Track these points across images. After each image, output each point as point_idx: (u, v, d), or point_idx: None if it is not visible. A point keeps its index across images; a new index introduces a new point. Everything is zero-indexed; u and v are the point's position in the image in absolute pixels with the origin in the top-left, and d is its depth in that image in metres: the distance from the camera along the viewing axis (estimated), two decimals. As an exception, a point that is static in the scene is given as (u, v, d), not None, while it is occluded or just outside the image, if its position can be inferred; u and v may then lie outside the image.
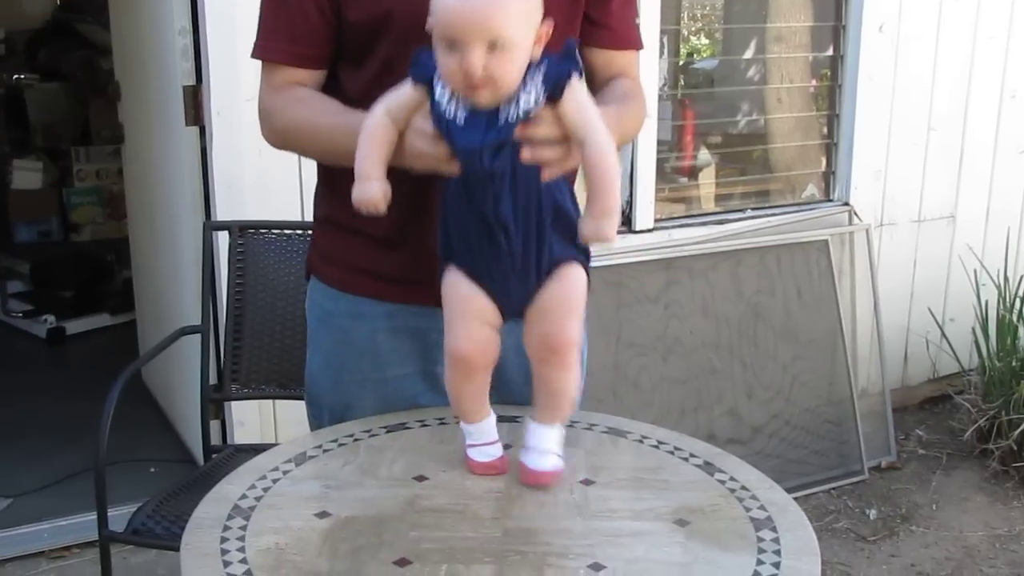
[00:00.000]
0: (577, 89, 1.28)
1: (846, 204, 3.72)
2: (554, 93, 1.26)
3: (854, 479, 3.49)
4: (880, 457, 3.62)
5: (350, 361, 1.64)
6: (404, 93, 1.32)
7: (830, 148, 3.77)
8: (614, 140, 1.31)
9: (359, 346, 1.63)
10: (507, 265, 1.35)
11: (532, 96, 1.27)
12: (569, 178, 1.44)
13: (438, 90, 1.29)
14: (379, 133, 1.33)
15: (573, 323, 1.37)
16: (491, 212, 1.31)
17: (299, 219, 2.80)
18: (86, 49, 5.97)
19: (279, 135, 1.56)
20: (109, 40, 4.15)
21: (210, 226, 2.58)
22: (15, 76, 6.24)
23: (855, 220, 3.72)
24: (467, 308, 1.38)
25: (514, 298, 1.37)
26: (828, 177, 3.78)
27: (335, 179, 1.52)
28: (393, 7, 1.45)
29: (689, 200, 3.68)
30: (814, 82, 3.82)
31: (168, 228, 3.25)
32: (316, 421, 1.71)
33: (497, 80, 1.24)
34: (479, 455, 1.42)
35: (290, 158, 2.78)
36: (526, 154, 1.27)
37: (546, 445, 1.40)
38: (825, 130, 3.80)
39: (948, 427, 3.84)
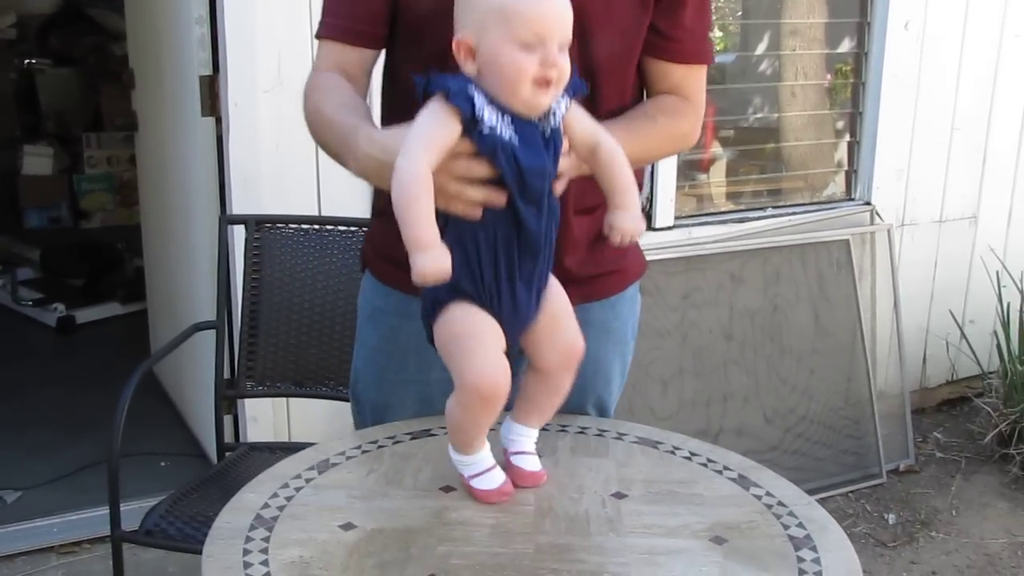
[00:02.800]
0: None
1: (868, 204, 3.67)
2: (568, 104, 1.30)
3: (872, 482, 3.45)
4: (898, 460, 3.58)
5: (395, 359, 1.61)
6: (442, 133, 1.23)
7: (852, 147, 3.72)
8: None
9: (406, 345, 1.59)
10: (533, 287, 1.32)
11: (562, 105, 1.28)
12: None
13: (487, 118, 1.23)
14: (426, 190, 1.20)
15: (577, 326, 1.39)
16: (542, 231, 1.28)
17: (316, 214, 2.77)
18: (98, 34, 5.94)
19: (306, 117, 1.51)
20: (121, 25, 4.11)
21: (226, 219, 2.54)
22: (26, 61, 6.20)
23: (876, 220, 3.67)
24: (489, 338, 1.30)
25: (521, 324, 1.34)
26: (850, 176, 3.73)
27: None
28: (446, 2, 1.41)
29: (708, 198, 3.63)
30: (829, 78, 3.76)
31: (183, 220, 3.21)
32: (359, 417, 1.69)
33: (562, 80, 1.25)
34: (485, 483, 1.36)
35: (308, 152, 2.75)
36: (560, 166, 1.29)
37: (533, 447, 1.43)
38: (848, 128, 3.74)
39: (967, 430, 3.80)
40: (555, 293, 1.37)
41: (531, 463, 1.41)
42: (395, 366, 1.62)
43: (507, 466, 1.40)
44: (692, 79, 1.58)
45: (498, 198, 1.25)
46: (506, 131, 1.24)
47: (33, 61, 6.21)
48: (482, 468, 1.36)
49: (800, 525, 1.33)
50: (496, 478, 1.36)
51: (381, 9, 1.49)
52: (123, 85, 3.82)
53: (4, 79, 6.26)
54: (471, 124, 1.23)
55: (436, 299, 1.32)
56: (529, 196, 1.26)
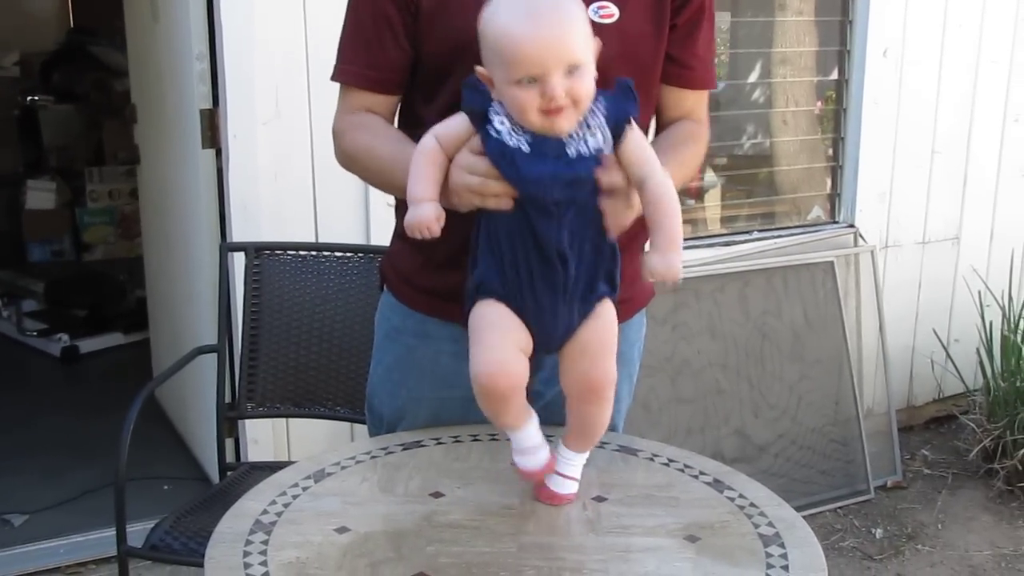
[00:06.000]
0: (635, 128, 1.32)
1: (851, 226, 3.76)
2: (616, 131, 1.31)
3: (860, 498, 3.52)
4: (886, 477, 3.65)
5: (410, 378, 1.67)
6: (454, 124, 1.35)
7: (835, 171, 3.81)
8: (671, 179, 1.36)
9: (421, 365, 1.67)
10: (559, 296, 1.35)
11: (599, 134, 1.30)
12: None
13: (496, 121, 1.31)
14: (431, 156, 1.34)
15: (611, 362, 1.39)
16: (553, 241, 1.31)
17: (313, 241, 2.86)
18: (99, 71, 6.05)
19: (344, 157, 1.60)
20: (122, 62, 4.21)
21: (226, 247, 2.62)
22: (29, 98, 6.31)
23: (860, 242, 3.76)
24: (502, 333, 1.35)
25: (554, 332, 1.38)
26: (834, 199, 3.82)
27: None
28: (471, 39, 1.48)
29: (696, 222, 3.72)
30: (819, 104, 3.87)
31: (184, 249, 3.30)
32: (374, 429, 1.76)
33: (579, 101, 1.27)
34: (524, 462, 1.41)
35: (305, 180, 2.85)
36: (606, 179, 1.31)
37: (570, 472, 1.43)
38: (831, 152, 3.85)
39: (953, 447, 3.87)
40: (598, 326, 1.39)
41: (557, 483, 1.43)
42: (410, 384, 1.69)
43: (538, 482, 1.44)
44: (701, 104, 1.67)
45: (506, 200, 1.32)
46: (514, 139, 1.30)
47: (36, 98, 6.32)
48: (522, 446, 1.40)
49: (770, 524, 1.40)
50: (537, 459, 1.40)
51: (400, 58, 1.56)
52: (124, 120, 3.92)
53: (7, 116, 6.36)
54: (481, 124, 1.31)
55: (473, 293, 1.38)
56: (533, 203, 1.31)
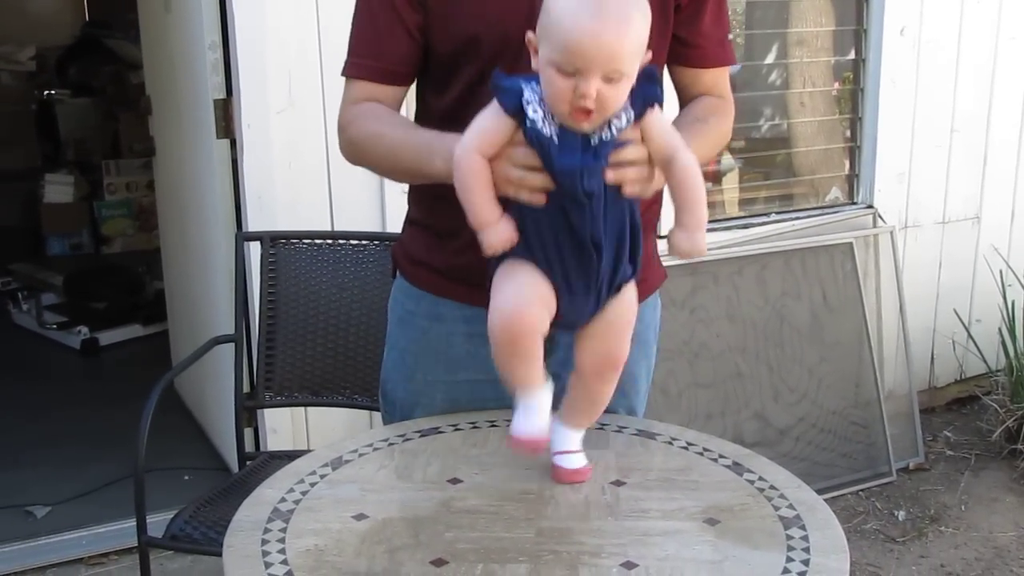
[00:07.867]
0: (659, 111, 1.32)
1: (870, 207, 3.73)
2: (640, 115, 1.30)
3: (882, 480, 3.50)
4: (908, 458, 3.63)
5: (424, 361, 1.68)
6: (493, 127, 1.30)
7: (853, 151, 3.78)
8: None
9: (436, 347, 1.67)
10: (592, 282, 1.35)
11: (623, 118, 1.30)
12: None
13: (530, 112, 1.28)
14: (481, 175, 1.31)
15: (628, 340, 1.42)
16: (588, 233, 1.31)
17: (329, 229, 2.85)
18: (115, 64, 6.07)
19: (351, 147, 1.58)
20: (137, 55, 4.21)
21: (242, 236, 2.62)
22: (46, 92, 6.34)
23: (879, 222, 3.73)
24: (527, 280, 1.34)
25: (582, 314, 1.39)
26: (852, 180, 3.79)
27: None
28: (480, 32, 1.48)
29: (714, 205, 3.70)
30: (837, 85, 3.84)
31: (200, 239, 3.30)
32: (388, 416, 1.76)
33: (605, 109, 1.26)
34: (524, 427, 1.37)
35: (320, 169, 2.84)
36: (610, 175, 1.30)
37: (575, 446, 1.46)
38: (848, 133, 3.81)
39: (976, 428, 3.84)
40: (623, 306, 1.40)
41: (571, 461, 1.45)
42: (424, 367, 1.69)
43: (551, 465, 1.45)
44: (721, 80, 1.66)
45: (539, 196, 1.30)
46: (548, 128, 1.28)
47: (52, 92, 6.35)
48: (529, 404, 1.37)
49: (790, 506, 1.39)
50: (538, 426, 1.36)
51: (409, 50, 1.55)
52: (140, 113, 3.92)
53: (24, 110, 6.40)
54: (520, 116, 1.29)
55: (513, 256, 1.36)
56: (567, 195, 1.29)
